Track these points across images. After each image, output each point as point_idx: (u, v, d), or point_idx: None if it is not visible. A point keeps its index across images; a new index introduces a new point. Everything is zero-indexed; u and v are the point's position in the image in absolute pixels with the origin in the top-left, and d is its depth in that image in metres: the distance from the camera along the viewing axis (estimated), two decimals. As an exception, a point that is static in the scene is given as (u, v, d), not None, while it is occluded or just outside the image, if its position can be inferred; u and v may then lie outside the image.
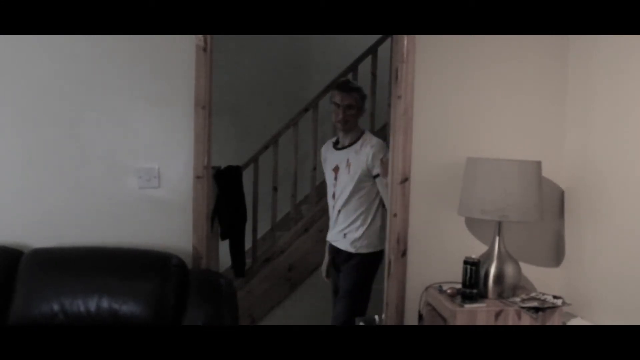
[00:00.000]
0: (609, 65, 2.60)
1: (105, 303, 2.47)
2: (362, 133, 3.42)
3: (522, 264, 2.78)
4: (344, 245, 3.39)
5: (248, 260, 4.51)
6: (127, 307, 2.48)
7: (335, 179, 3.40)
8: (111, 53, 2.78)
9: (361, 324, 3.50)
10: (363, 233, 3.33)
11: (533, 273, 2.94)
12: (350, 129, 3.38)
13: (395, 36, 2.89)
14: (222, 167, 4.04)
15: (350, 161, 3.34)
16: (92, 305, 2.47)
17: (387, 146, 3.15)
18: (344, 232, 3.37)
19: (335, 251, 3.48)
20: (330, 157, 3.50)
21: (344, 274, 3.43)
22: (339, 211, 3.37)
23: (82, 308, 2.47)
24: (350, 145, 3.38)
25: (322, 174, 3.73)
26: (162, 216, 2.86)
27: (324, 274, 3.66)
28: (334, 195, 3.42)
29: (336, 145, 3.49)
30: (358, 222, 3.34)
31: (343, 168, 3.36)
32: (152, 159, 2.84)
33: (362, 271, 3.40)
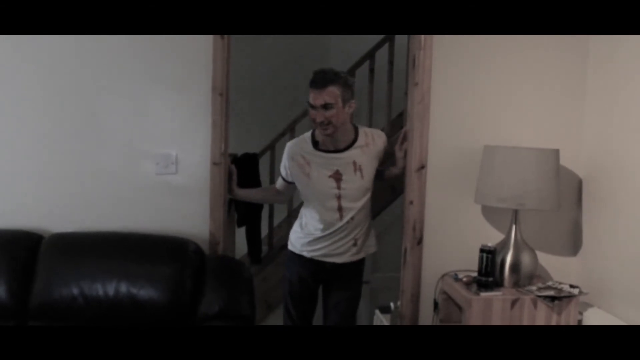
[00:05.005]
0: (630, 56, 2.57)
1: (123, 287, 2.50)
2: (356, 128, 2.87)
3: (538, 253, 2.77)
4: (350, 256, 2.88)
5: (264, 248, 4.53)
6: (145, 292, 2.50)
7: (339, 187, 2.80)
8: (129, 39, 2.79)
9: (377, 311, 3.51)
10: (371, 230, 2.97)
11: (550, 262, 2.93)
12: (334, 132, 2.74)
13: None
14: (239, 154, 4.05)
15: (359, 163, 2.79)
16: (111, 289, 2.50)
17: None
18: (355, 239, 2.86)
19: (332, 267, 2.89)
20: (316, 160, 2.82)
21: (344, 287, 2.97)
22: (352, 218, 2.82)
23: (100, 292, 2.50)
24: (348, 147, 2.81)
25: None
26: (180, 202, 2.88)
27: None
28: (340, 208, 2.81)
29: (319, 146, 2.84)
30: (366, 222, 2.91)
31: (349, 173, 2.79)
32: (170, 145, 2.86)
33: (362, 274, 3.07)
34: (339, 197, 2.80)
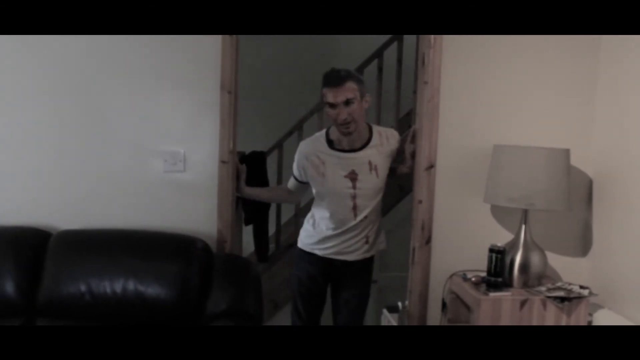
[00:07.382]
0: (642, 52, 2.55)
1: (131, 285, 2.50)
2: (370, 127, 2.86)
3: (548, 253, 2.75)
4: (362, 253, 2.89)
5: (271, 246, 4.53)
6: (152, 290, 2.50)
7: (354, 187, 2.79)
8: (138, 38, 2.78)
9: (385, 310, 3.50)
10: (380, 227, 2.97)
11: (559, 262, 2.90)
12: (355, 130, 2.72)
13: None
14: (247, 152, 4.05)
15: (375, 163, 2.79)
16: (118, 287, 2.50)
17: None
18: (367, 237, 2.87)
19: (342, 264, 2.90)
20: (332, 160, 2.81)
21: (354, 285, 2.97)
22: (365, 217, 2.82)
23: (108, 289, 2.50)
24: (363, 147, 2.81)
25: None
26: (187, 200, 2.88)
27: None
28: (354, 207, 2.80)
29: (333, 145, 2.83)
30: (377, 220, 2.93)
31: (365, 172, 2.79)
32: (178, 142, 2.85)
33: (371, 272, 3.07)
34: (354, 197, 2.79)
